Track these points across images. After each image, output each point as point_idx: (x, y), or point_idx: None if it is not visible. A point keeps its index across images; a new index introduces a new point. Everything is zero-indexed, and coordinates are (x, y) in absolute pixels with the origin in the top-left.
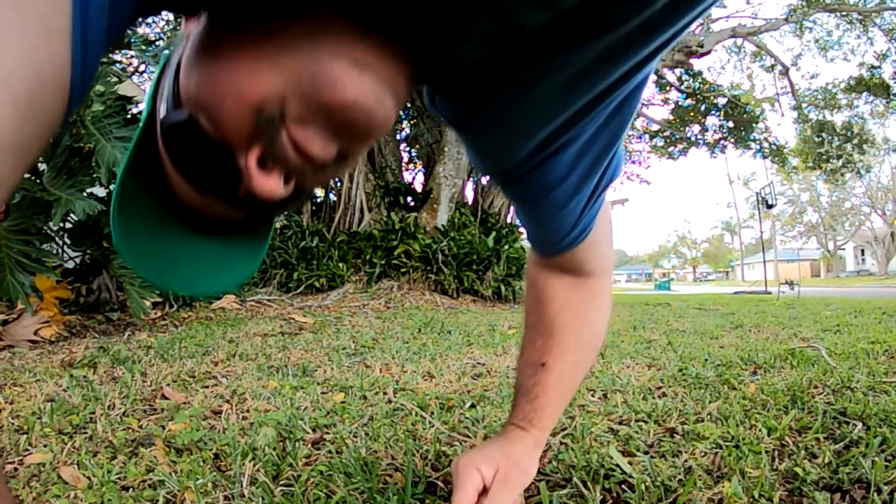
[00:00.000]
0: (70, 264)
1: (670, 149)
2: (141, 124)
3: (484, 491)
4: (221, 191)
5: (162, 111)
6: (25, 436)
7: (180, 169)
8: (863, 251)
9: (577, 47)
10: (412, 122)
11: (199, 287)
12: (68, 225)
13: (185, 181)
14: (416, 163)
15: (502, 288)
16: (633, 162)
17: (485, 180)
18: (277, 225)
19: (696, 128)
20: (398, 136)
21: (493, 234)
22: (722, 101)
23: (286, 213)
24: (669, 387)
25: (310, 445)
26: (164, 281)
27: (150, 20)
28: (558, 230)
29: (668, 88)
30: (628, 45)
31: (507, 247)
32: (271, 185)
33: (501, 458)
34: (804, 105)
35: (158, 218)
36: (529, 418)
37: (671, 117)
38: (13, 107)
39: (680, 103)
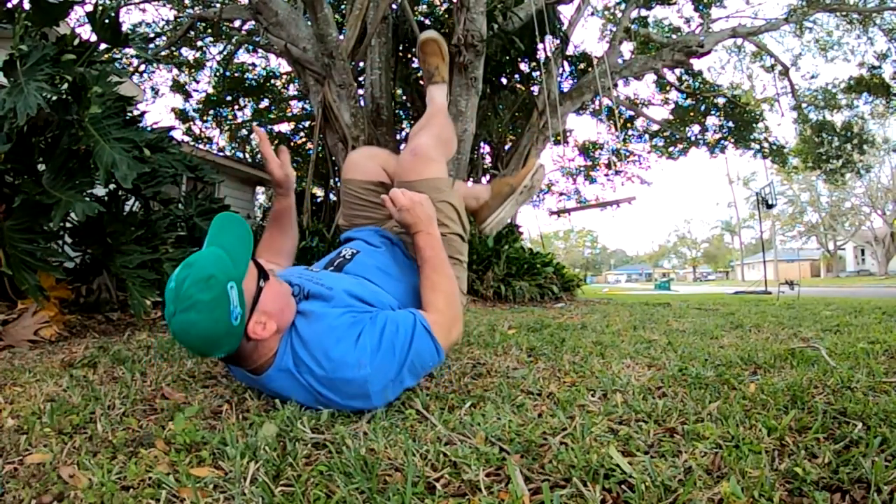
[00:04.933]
0: (70, 264)
1: (670, 149)
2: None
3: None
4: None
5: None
6: (25, 436)
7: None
8: (863, 251)
9: None
10: (412, 122)
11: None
12: (69, 224)
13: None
14: None
15: (502, 288)
16: (633, 162)
17: (485, 180)
18: None
19: (696, 128)
20: (398, 137)
21: (494, 233)
22: (722, 101)
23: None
24: (669, 387)
25: (310, 445)
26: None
27: (150, 20)
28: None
29: (668, 88)
30: None
31: (507, 247)
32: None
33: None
34: (804, 105)
35: None
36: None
37: (671, 117)
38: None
39: (680, 103)
